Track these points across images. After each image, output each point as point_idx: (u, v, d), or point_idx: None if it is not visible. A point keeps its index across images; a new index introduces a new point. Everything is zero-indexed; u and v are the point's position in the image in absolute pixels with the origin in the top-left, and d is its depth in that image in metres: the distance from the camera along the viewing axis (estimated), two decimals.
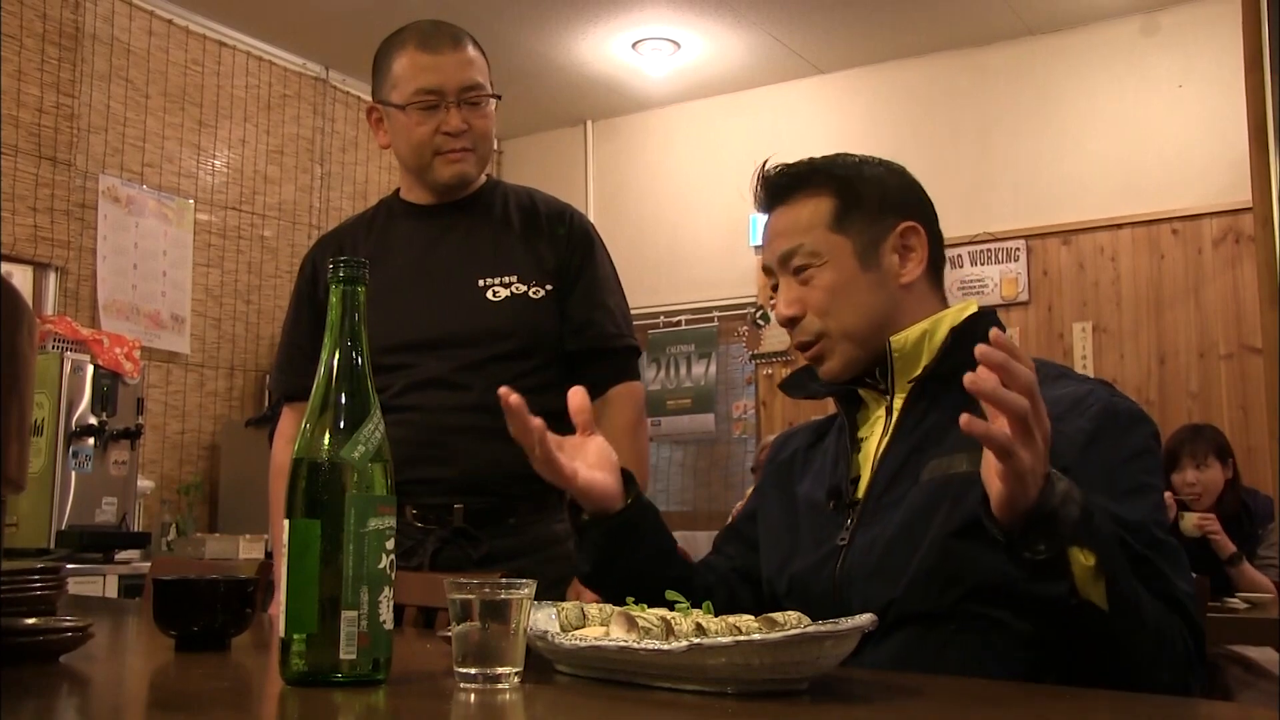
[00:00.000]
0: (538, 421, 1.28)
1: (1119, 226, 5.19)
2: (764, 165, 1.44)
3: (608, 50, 5.68)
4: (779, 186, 1.42)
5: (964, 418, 0.97)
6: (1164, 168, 5.11)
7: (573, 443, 1.36)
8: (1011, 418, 0.98)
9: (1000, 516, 1.03)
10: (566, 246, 2.06)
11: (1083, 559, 1.03)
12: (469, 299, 2.00)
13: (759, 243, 7.08)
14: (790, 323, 1.40)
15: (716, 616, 1.03)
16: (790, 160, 1.44)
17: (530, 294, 2.00)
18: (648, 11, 5.28)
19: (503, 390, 1.27)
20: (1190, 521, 3.52)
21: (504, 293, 2.00)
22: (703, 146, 6.29)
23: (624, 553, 1.37)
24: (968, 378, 0.97)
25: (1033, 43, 5.46)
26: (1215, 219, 4.98)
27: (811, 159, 1.43)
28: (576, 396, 1.38)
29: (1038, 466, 1.00)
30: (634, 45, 5.62)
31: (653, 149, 6.46)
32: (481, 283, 2.01)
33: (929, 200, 1.44)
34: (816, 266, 1.37)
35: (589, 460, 1.34)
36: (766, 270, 1.45)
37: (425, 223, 2.08)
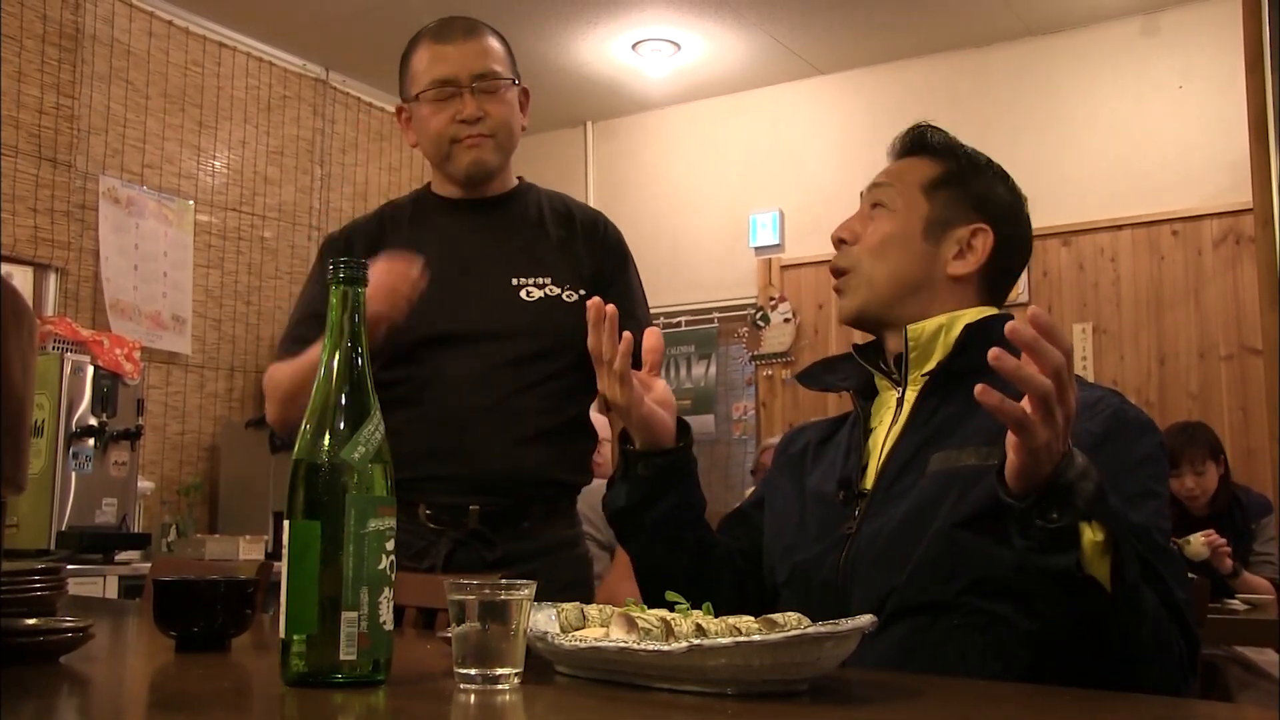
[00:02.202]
0: (627, 334, 1.31)
1: (1119, 227, 5.19)
2: (919, 124, 1.52)
3: (608, 51, 5.68)
4: (917, 139, 1.50)
5: (979, 387, 0.98)
6: (1164, 168, 5.11)
7: (638, 377, 1.37)
8: (1033, 397, 0.99)
9: (1013, 486, 1.05)
10: (602, 254, 2.07)
11: (1091, 533, 1.04)
12: (502, 296, 1.99)
13: (759, 244, 7.02)
14: (838, 244, 1.48)
15: (717, 616, 1.03)
16: (943, 128, 1.51)
17: (563, 297, 2.00)
18: (648, 12, 5.28)
19: (594, 301, 1.31)
20: (1197, 544, 3.43)
21: (538, 293, 1.99)
22: (703, 147, 6.29)
23: (664, 495, 1.39)
24: (992, 353, 0.98)
25: (1033, 43, 5.46)
26: (1215, 220, 4.98)
27: (952, 138, 1.50)
28: (653, 336, 1.41)
29: (1055, 444, 1.01)
30: (634, 46, 5.62)
31: (653, 150, 6.46)
32: (515, 281, 2.00)
33: (1025, 228, 1.48)
34: (889, 210, 1.44)
35: (652, 396, 1.37)
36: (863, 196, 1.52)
37: (459, 217, 2.07)
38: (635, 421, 1.36)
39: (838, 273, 1.47)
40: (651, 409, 1.36)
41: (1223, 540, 3.47)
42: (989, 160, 1.49)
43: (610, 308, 1.31)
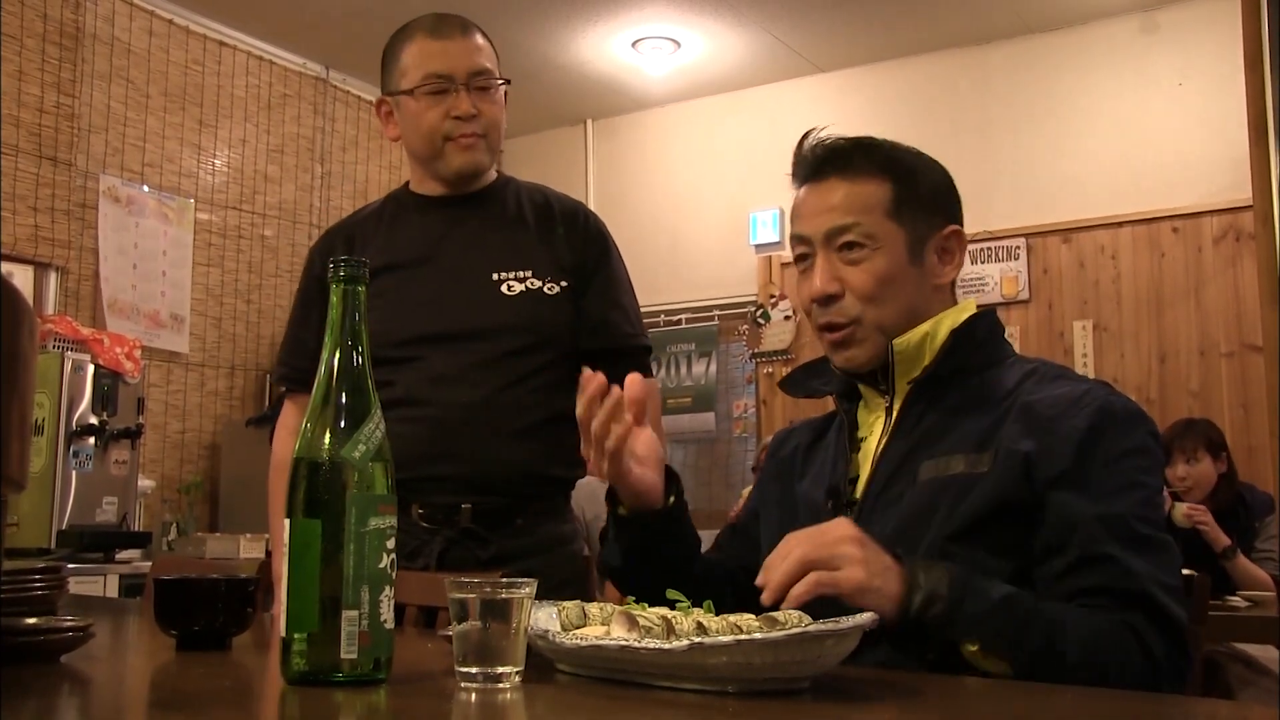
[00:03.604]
0: (622, 402, 1.28)
1: (1119, 225, 5.19)
2: (810, 134, 1.40)
3: (608, 49, 5.68)
4: (834, 156, 1.37)
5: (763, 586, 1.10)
6: (1164, 166, 5.11)
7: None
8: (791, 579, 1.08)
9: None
10: (583, 245, 2.05)
11: (969, 645, 1.10)
12: (483, 293, 1.98)
13: (759, 241, 6.96)
14: (826, 300, 1.35)
15: (718, 616, 1.03)
16: (844, 135, 1.40)
17: (545, 289, 1.99)
18: (648, 10, 5.28)
19: (587, 374, 1.27)
20: (1180, 512, 3.55)
21: (519, 287, 1.98)
22: (703, 145, 6.29)
23: (659, 550, 1.37)
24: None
25: (1033, 41, 5.46)
26: (1215, 217, 4.97)
27: (870, 138, 1.39)
28: (635, 385, 1.31)
29: (883, 585, 1.09)
30: (634, 44, 5.62)
31: (653, 148, 6.46)
32: (496, 276, 1.98)
33: (957, 193, 1.44)
34: (870, 249, 1.33)
35: (638, 453, 1.33)
36: (798, 240, 1.39)
37: (436, 215, 2.06)
38: (623, 490, 1.34)
39: (836, 327, 1.36)
40: (639, 476, 1.32)
41: (1206, 519, 3.53)
42: (912, 150, 1.41)
43: (601, 378, 1.25)
